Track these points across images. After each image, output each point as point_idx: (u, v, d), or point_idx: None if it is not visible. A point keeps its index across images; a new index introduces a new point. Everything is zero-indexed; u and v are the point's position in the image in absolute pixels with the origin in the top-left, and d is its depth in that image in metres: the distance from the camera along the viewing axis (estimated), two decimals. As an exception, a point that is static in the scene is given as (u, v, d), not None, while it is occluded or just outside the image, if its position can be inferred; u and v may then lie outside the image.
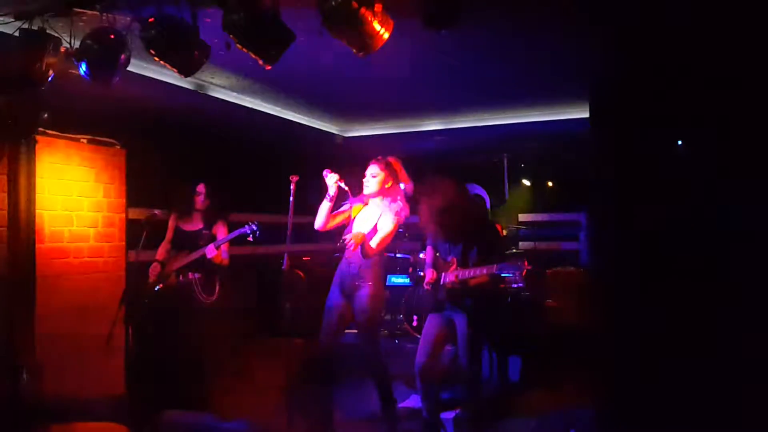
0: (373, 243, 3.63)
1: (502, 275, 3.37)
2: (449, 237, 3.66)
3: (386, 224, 3.66)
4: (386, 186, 3.73)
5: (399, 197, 3.73)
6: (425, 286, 3.71)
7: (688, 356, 3.86)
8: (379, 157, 3.80)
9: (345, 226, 3.79)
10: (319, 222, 3.74)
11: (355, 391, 4.42)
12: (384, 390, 3.73)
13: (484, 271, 3.39)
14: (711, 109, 4.08)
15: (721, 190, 4.08)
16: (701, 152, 4.23)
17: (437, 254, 3.77)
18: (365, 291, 3.64)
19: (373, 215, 3.73)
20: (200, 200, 4.42)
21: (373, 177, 3.74)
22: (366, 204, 3.81)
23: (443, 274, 3.60)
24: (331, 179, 3.65)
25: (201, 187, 4.42)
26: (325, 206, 3.70)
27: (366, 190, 3.76)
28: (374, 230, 3.67)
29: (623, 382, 4.02)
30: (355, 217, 3.79)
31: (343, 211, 3.80)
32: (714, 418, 3.57)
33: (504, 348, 4.88)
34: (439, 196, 3.56)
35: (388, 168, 3.75)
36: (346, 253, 3.74)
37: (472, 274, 3.44)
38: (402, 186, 3.76)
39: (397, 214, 3.67)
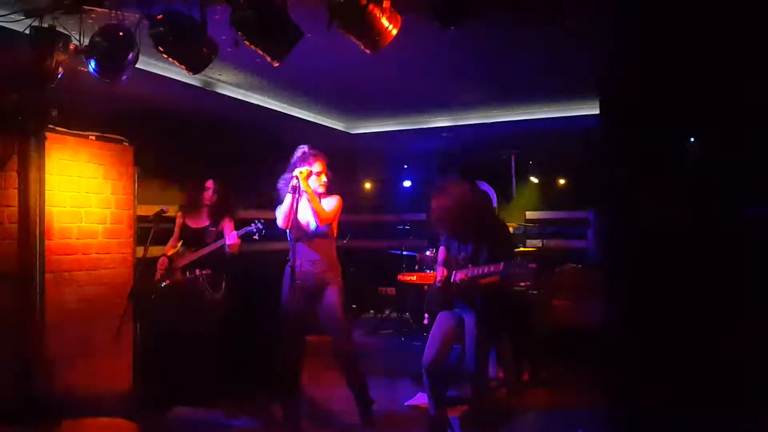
0: (326, 208, 3.63)
1: (510, 273, 3.35)
2: (460, 236, 3.65)
3: (332, 202, 3.69)
4: (324, 179, 3.74)
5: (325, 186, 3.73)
6: (437, 284, 3.71)
7: (698, 354, 3.85)
8: (315, 152, 3.70)
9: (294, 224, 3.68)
10: (280, 218, 3.62)
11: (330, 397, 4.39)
12: (360, 390, 3.67)
13: (492, 269, 3.38)
14: (720, 108, 4.06)
15: (730, 188, 4.06)
16: (711, 150, 4.20)
17: (449, 252, 3.77)
18: (332, 290, 3.59)
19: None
20: (208, 196, 4.44)
21: (319, 175, 3.69)
22: (299, 199, 3.65)
23: (454, 272, 3.60)
24: (297, 172, 3.55)
25: (209, 183, 4.44)
26: (287, 201, 3.57)
27: (319, 190, 3.69)
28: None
29: (631, 380, 4.00)
30: (296, 213, 3.66)
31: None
32: (723, 415, 3.56)
33: (511, 347, 4.87)
34: (449, 194, 3.56)
35: (320, 160, 3.72)
36: (304, 254, 3.65)
37: (481, 272, 3.44)
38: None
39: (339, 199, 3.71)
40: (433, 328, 3.72)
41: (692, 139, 4.23)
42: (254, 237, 4.21)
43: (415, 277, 6.11)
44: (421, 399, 4.38)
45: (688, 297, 3.97)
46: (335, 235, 3.81)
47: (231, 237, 4.24)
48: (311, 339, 3.83)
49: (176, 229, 4.50)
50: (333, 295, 3.62)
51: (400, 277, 5.96)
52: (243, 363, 4.67)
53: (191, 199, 4.46)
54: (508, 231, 4.36)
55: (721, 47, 3.75)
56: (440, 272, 3.69)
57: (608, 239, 4.77)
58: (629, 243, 4.30)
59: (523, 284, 4.99)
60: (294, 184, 3.49)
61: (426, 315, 4.00)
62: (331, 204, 3.72)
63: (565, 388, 4.70)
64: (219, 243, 4.29)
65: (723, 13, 3.25)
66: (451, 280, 3.60)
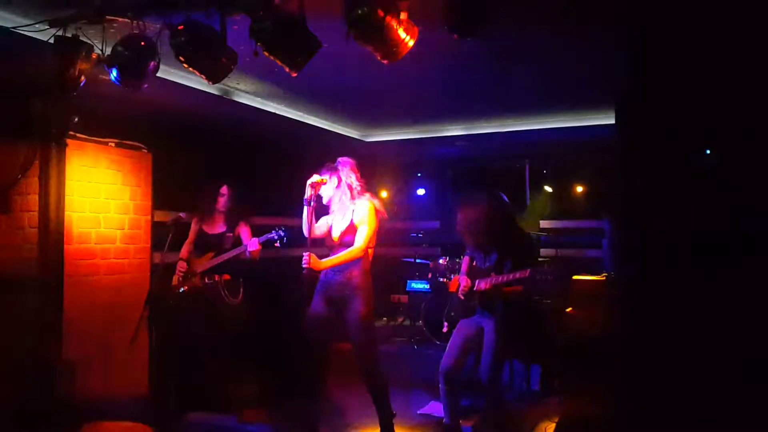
0: (358, 242, 3.51)
1: (536, 279, 3.36)
2: (485, 246, 3.69)
3: (365, 219, 3.53)
4: (335, 187, 3.63)
5: (359, 193, 3.60)
6: (459, 295, 3.73)
7: (714, 362, 3.81)
8: (327, 164, 3.69)
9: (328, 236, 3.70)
10: (303, 228, 3.61)
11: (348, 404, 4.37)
12: (382, 403, 3.60)
13: (518, 275, 3.41)
14: (739, 114, 4.04)
15: (747, 196, 4.03)
16: (728, 158, 4.18)
17: (473, 263, 3.79)
18: (358, 301, 3.52)
19: (346, 215, 3.61)
20: (223, 202, 4.46)
21: (323, 186, 3.64)
22: (332, 211, 3.70)
23: (477, 280, 3.62)
24: (308, 182, 3.53)
25: (224, 189, 4.47)
26: (304, 211, 3.56)
27: (324, 201, 3.67)
28: (352, 228, 3.57)
29: (648, 390, 3.97)
30: (332, 225, 3.68)
31: (323, 224, 3.70)
32: (742, 425, 3.53)
33: (525, 356, 4.85)
34: (476, 207, 3.61)
35: (330, 171, 3.65)
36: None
37: (506, 279, 3.47)
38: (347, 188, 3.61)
39: (377, 211, 3.57)
40: (453, 335, 3.73)
41: (708, 151, 4.21)
42: (275, 244, 4.22)
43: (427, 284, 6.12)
44: (433, 408, 4.38)
45: (702, 307, 3.94)
46: (370, 247, 3.66)
47: (252, 243, 4.25)
48: (336, 346, 3.82)
49: (191, 235, 4.53)
50: (358, 307, 3.53)
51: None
52: (260, 368, 4.69)
53: (206, 206, 4.49)
54: (533, 241, 4.37)
55: (740, 55, 3.73)
56: (464, 281, 3.71)
57: (623, 249, 4.74)
58: (643, 253, 4.28)
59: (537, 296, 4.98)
60: (306, 196, 3.50)
61: (445, 323, 4.00)
62: (360, 237, 3.54)
63: (579, 397, 4.66)
64: (240, 249, 4.30)
65: (736, 29, 3.24)
66: (474, 289, 3.62)
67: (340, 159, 3.70)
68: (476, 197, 3.70)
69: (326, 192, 3.67)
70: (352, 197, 3.63)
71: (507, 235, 3.64)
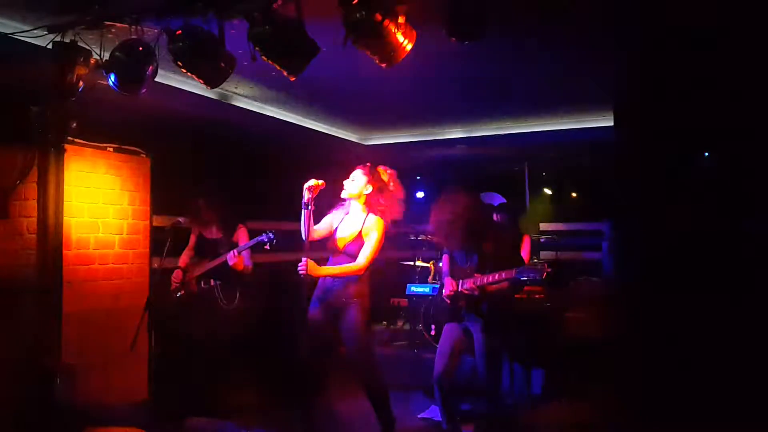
0: (362, 258, 3.47)
1: (522, 279, 3.32)
2: (463, 245, 3.64)
3: (373, 234, 3.48)
4: (366, 192, 3.56)
5: (382, 205, 3.55)
6: (444, 297, 3.69)
7: (714, 362, 3.81)
8: (367, 164, 3.63)
9: (330, 237, 3.64)
10: (302, 232, 3.51)
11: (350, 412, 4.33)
12: (382, 409, 3.57)
13: (503, 275, 3.35)
14: (737, 116, 4.04)
15: (747, 198, 4.03)
16: (727, 160, 4.17)
17: (454, 262, 3.75)
18: (354, 310, 3.48)
19: (355, 223, 3.57)
20: (205, 214, 4.42)
21: (351, 180, 3.58)
22: (347, 213, 3.65)
23: (461, 281, 3.58)
24: (306, 186, 3.43)
25: (201, 203, 4.41)
26: (301, 215, 3.48)
27: (343, 193, 3.60)
28: (359, 239, 3.51)
29: (648, 391, 3.96)
30: (336, 227, 3.63)
31: (325, 225, 3.64)
32: (742, 425, 3.51)
33: (525, 360, 4.84)
34: (447, 208, 3.54)
35: (371, 174, 3.58)
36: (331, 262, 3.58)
37: (491, 279, 3.41)
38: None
39: (383, 216, 3.52)
40: (441, 340, 3.70)
41: (707, 154, 4.20)
42: (265, 247, 4.19)
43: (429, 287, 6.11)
44: (434, 412, 4.36)
45: (702, 308, 3.94)
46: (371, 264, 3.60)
47: (230, 257, 4.20)
48: (336, 350, 3.79)
49: (191, 241, 4.53)
50: (354, 315, 3.49)
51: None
52: (260, 374, 4.67)
53: (196, 217, 4.47)
54: (515, 240, 4.32)
55: (739, 55, 3.74)
56: (448, 283, 3.67)
57: (624, 250, 4.74)
58: (645, 253, 4.27)
59: (537, 296, 4.96)
60: (304, 199, 3.41)
61: (432, 326, 3.97)
62: (364, 253, 3.49)
63: (580, 401, 4.65)
64: (221, 258, 4.26)
65: (736, 29, 3.24)
66: (459, 289, 3.58)
67: (384, 167, 3.64)
68: (448, 198, 3.61)
69: (350, 189, 3.57)
70: (371, 209, 3.56)
71: (483, 235, 3.56)
